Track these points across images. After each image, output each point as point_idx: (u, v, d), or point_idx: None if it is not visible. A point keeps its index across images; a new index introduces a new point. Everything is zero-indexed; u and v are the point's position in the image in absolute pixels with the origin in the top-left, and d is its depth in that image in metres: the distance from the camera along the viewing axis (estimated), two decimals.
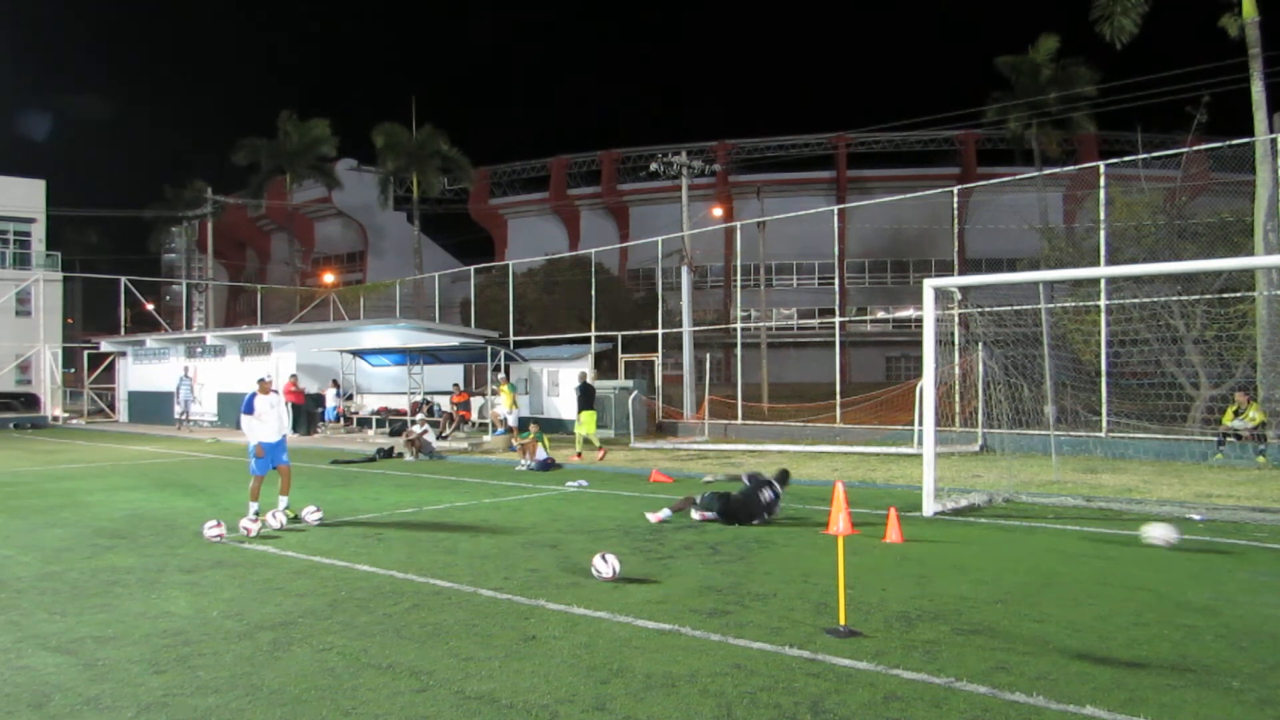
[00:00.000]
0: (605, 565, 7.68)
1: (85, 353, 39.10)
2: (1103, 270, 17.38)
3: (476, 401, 27.04)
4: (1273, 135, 18.20)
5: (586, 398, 19.64)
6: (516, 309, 32.67)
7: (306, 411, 26.15)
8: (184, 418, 29.77)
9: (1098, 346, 18.43)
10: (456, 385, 27.56)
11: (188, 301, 51.98)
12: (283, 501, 11.03)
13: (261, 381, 11.47)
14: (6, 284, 38.51)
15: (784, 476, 11.13)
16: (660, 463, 17.84)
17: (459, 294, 44.53)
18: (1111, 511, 11.24)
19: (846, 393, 23.94)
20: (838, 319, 26.76)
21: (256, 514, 10.57)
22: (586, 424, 19.53)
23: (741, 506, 10.52)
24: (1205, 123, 21.96)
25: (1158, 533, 8.91)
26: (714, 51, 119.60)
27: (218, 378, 31.36)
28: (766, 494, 10.59)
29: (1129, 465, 16.05)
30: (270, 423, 11.22)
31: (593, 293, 29.86)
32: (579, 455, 19.03)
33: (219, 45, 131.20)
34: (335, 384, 28.30)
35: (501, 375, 25.99)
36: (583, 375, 21.50)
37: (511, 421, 22.47)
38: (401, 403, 27.85)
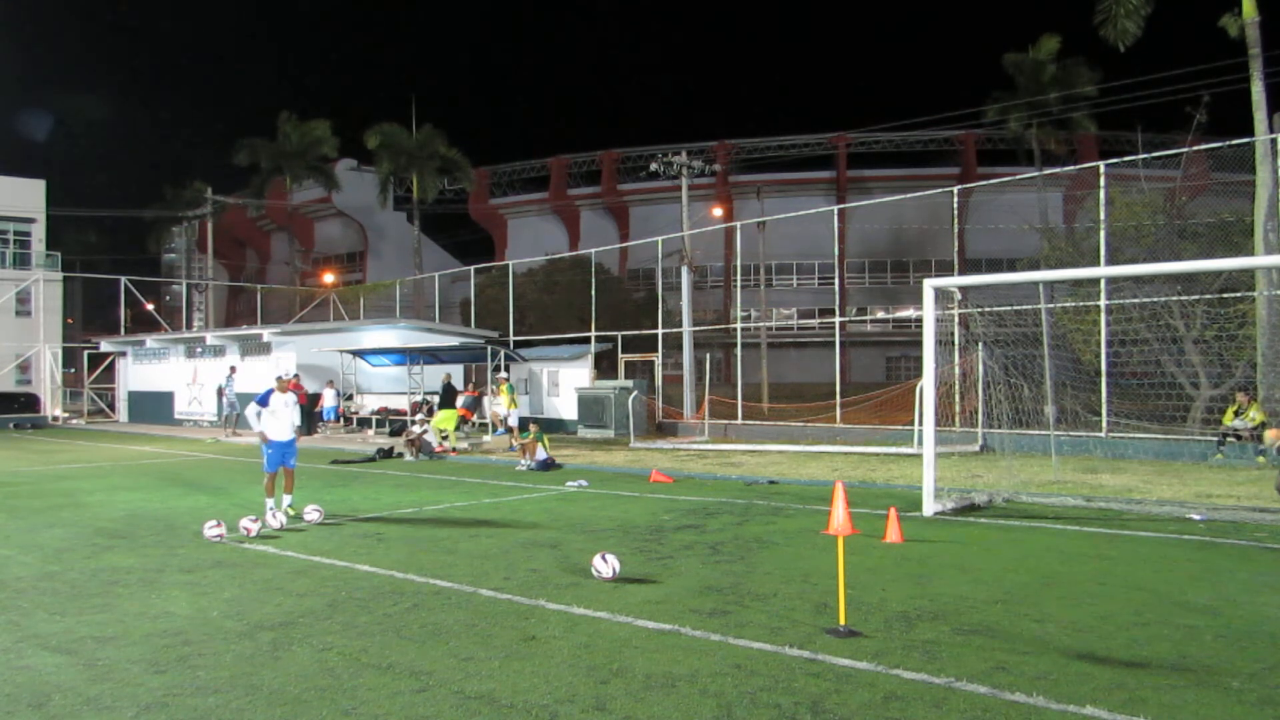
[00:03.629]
0: (605, 565, 7.68)
1: (85, 353, 39.12)
2: (1103, 270, 17.37)
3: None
4: (1273, 135, 18.19)
5: (448, 397, 21.57)
6: (516, 309, 32.65)
7: (307, 411, 26.02)
8: (229, 418, 27.73)
9: (1098, 346, 18.42)
10: (473, 382, 27.88)
11: (188, 301, 51.89)
12: (286, 500, 11.17)
13: (280, 379, 11.59)
14: (6, 284, 38.49)
15: None
16: (660, 462, 17.83)
17: (459, 294, 44.51)
18: (1111, 511, 11.24)
19: (846, 393, 23.93)
20: (838, 319, 26.75)
21: (274, 509, 10.81)
22: (446, 421, 21.29)
23: None
24: (1205, 123, 21.96)
25: None
26: (714, 51, 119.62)
27: (217, 378, 31.32)
28: None
29: (1129, 465, 16.04)
30: (284, 420, 11.36)
31: (593, 293, 29.84)
32: (445, 449, 20.87)
33: (220, 45, 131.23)
34: (331, 384, 28.19)
35: (502, 375, 26.00)
36: (447, 376, 24.96)
37: (511, 421, 22.51)
38: (401, 403, 27.84)
